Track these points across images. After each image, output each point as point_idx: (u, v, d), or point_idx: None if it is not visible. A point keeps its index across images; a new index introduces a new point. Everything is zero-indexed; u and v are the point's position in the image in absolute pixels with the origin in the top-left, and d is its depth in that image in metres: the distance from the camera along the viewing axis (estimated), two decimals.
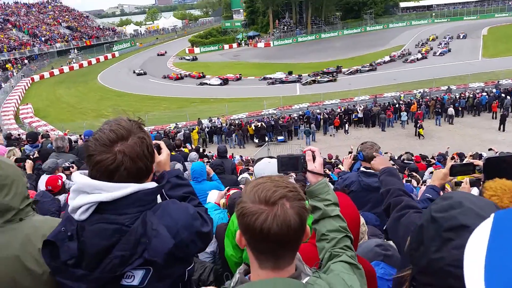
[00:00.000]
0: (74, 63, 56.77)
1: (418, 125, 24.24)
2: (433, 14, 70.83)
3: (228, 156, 8.53)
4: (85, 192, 1.37)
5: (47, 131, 20.17)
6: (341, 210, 1.58)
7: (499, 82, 29.85)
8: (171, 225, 1.40)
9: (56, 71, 52.52)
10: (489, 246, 0.62)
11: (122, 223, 1.36)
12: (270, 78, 38.87)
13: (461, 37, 51.30)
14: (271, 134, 25.33)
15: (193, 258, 1.64)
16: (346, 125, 26.05)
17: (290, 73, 39.91)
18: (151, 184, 1.47)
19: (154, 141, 1.73)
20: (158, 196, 1.57)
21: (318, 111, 27.72)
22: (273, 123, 25.76)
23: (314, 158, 1.66)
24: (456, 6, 72.37)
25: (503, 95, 26.69)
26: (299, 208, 1.13)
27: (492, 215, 0.69)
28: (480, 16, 68.14)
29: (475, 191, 2.95)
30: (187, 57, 57.54)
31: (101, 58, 61.33)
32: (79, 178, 1.40)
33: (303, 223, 1.14)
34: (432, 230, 1.07)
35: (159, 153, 1.73)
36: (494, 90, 28.14)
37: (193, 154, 7.39)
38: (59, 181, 4.45)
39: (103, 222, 1.36)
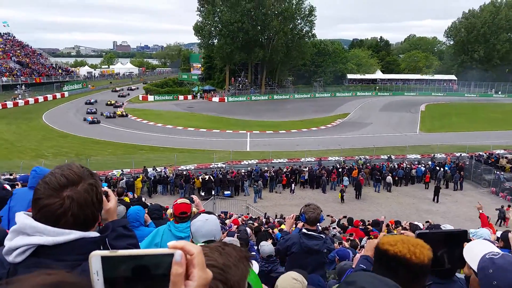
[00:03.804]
0: (19, 99, 54.19)
1: (340, 190, 25.37)
2: (377, 87, 76.71)
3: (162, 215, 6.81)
4: (25, 233, 1.32)
5: None
6: None
7: (435, 156, 32.18)
8: None
9: None
10: None
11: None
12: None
13: None
14: (218, 188, 25.23)
15: None
16: (293, 185, 26.62)
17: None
18: (94, 233, 1.43)
19: (102, 188, 1.71)
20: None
21: (266, 168, 28.19)
22: (221, 177, 25.74)
23: None
24: (398, 82, 79.13)
25: (437, 168, 28.78)
26: None
27: None
28: (419, 93, 74.91)
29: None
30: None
31: (50, 97, 59.13)
32: (22, 218, 1.35)
33: None
34: None
35: (108, 201, 1.72)
36: (430, 163, 30.28)
37: (121, 208, 5.21)
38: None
39: (39, 266, 1.26)
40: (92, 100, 56.46)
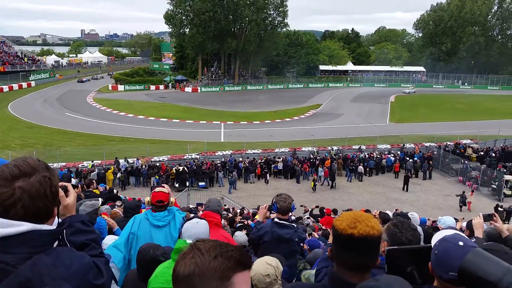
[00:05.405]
0: None
1: (313, 179, 25.90)
2: (348, 78, 77.86)
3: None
4: None
5: None
6: None
7: (404, 146, 32.99)
8: (63, 273, 1.32)
9: None
10: None
11: (7, 263, 1.27)
12: None
13: None
14: (193, 179, 25.08)
15: None
16: (267, 175, 26.79)
17: None
18: (47, 226, 1.41)
19: (61, 183, 1.68)
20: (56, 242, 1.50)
21: (240, 159, 28.21)
22: (195, 168, 25.58)
23: None
24: (369, 74, 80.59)
25: (407, 158, 29.58)
26: None
27: None
28: (389, 84, 76.50)
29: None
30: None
31: (15, 86, 57.00)
32: None
33: None
34: None
35: (66, 196, 1.68)
36: (399, 153, 31.08)
37: (91, 202, 4.12)
38: None
39: None
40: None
